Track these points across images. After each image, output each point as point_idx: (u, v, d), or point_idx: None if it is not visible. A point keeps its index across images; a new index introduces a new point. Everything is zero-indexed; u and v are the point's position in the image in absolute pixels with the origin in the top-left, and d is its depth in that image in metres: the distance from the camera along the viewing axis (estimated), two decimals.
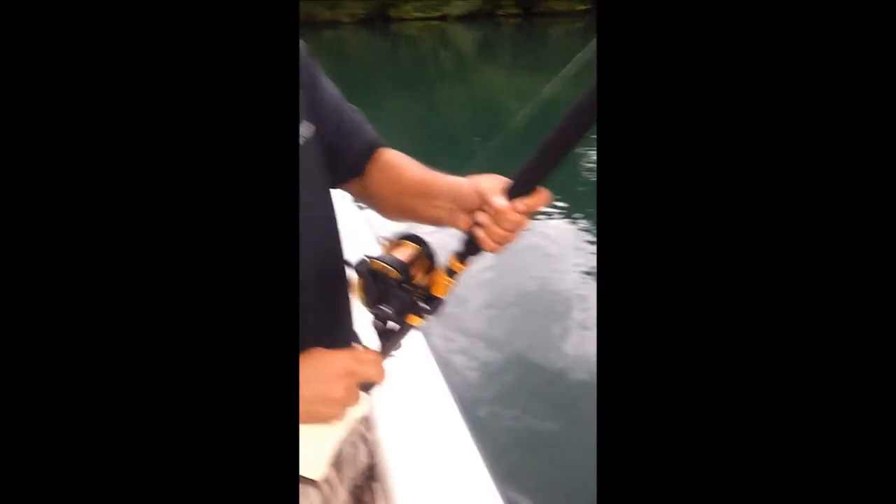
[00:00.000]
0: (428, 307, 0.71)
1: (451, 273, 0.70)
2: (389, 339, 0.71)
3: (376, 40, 27.77)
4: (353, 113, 0.83)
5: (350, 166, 0.82)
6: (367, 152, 0.82)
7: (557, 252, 3.79)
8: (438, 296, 0.71)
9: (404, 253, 0.70)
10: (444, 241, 0.71)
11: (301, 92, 0.73)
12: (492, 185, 0.67)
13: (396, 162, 0.82)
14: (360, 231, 1.84)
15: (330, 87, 0.81)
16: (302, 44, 0.75)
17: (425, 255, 0.71)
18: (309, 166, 0.73)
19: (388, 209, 0.82)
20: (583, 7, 30.27)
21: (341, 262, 0.81)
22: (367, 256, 0.70)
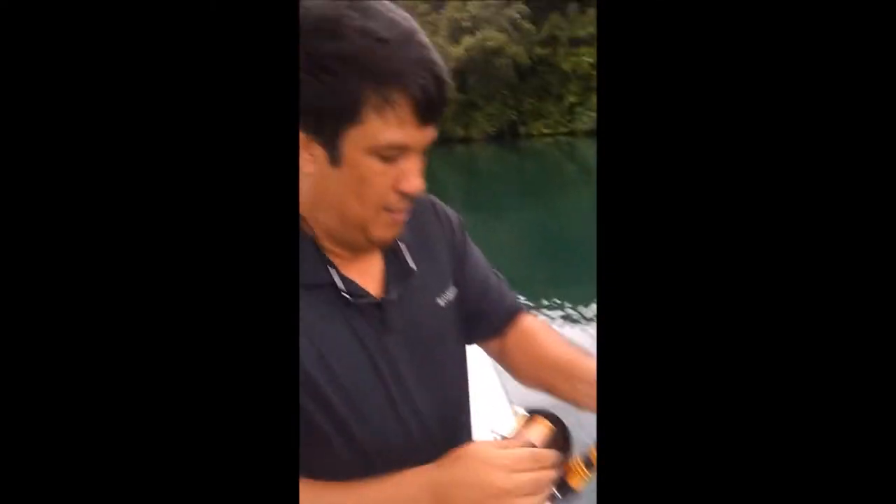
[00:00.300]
0: (559, 495, 0.64)
1: (588, 465, 0.65)
2: None
3: (505, 154, 29.15)
4: (497, 278, 0.89)
5: (490, 326, 0.87)
6: (508, 316, 0.87)
7: None
8: (573, 486, 0.65)
9: (537, 432, 0.65)
10: (586, 420, 0.64)
11: (452, 259, 0.82)
12: None
13: (536, 330, 0.86)
14: (495, 391, 1.83)
15: (477, 254, 0.88)
16: (454, 214, 0.86)
17: (561, 437, 0.66)
18: (447, 327, 0.79)
19: (523, 376, 0.86)
20: None
21: (468, 423, 0.83)
22: (494, 433, 0.67)
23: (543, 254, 7.98)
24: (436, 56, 0.63)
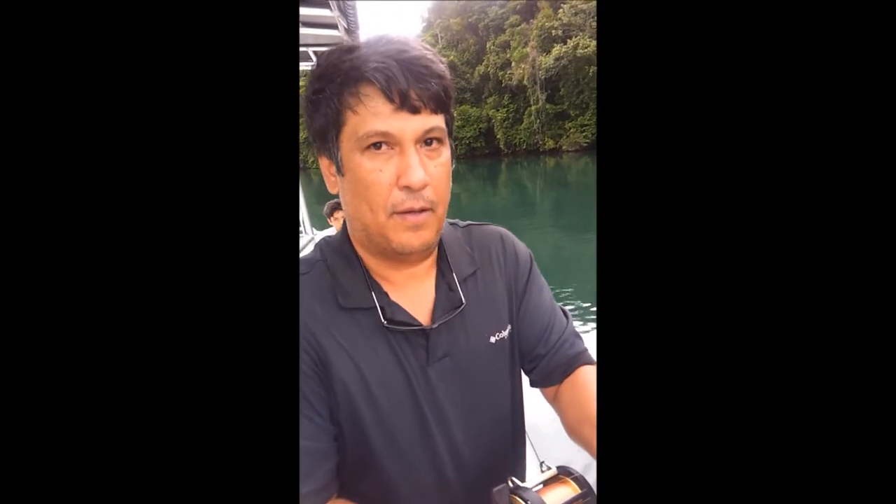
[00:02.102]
0: None
1: None
2: None
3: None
4: (564, 321, 0.83)
5: (545, 374, 0.81)
6: (567, 367, 0.80)
7: None
8: None
9: (559, 494, 0.61)
10: None
11: (511, 296, 0.80)
12: None
13: (590, 389, 0.76)
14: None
15: (542, 295, 0.82)
16: (523, 250, 0.84)
17: (585, 503, 0.60)
18: (497, 365, 0.77)
19: (570, 430, 0.77)
20: None
21: (518, 469, 0.83)
22: (511, 482, 0.60)
23: None
24: (412, 48, 0.64)
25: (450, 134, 0.67)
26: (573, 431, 0.76)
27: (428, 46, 0.66)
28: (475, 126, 40.09)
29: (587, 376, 0.79)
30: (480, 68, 40.37)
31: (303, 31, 3.58)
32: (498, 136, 39.10)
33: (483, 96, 40.51)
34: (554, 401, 0.81)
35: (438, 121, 0.64)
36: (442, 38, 42.21)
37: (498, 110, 39.12)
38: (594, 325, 5.25)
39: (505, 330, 0.77)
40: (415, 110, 0.62)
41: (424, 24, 45.97)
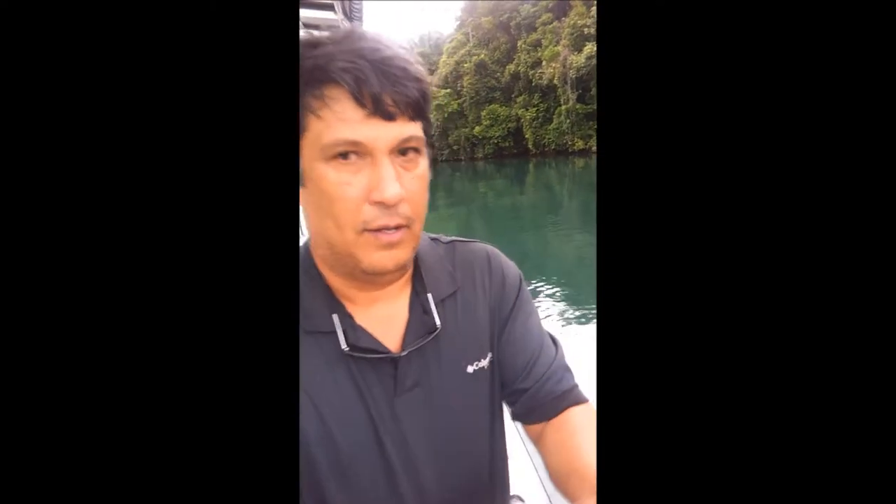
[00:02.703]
0: None
1: None
2: None
3: None
4: (552, 351, 0.73)
5: (527, 410, 0.71)
6: (553, 406, 0.70)
7: None
8: None
9: None
10: None
11: (494, 322, 0.71)
12: None
13: (582, 429, 0.67)
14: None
15: (529, 322, 0.73)
16: (512, 271, 0.74)
17: None
18: (475, 397, 0.69)
19: (554, 478, 0.67)
20: None
21: None
22: None
23: None
24: (385, 46, 0.57)
25: (428, 143, 0.60)
26: (557, 481, 0.66)
27: (404, 45, 0.60)
28: (504, 125, 39.73)
29: (576, 419, 0.69)
30: (511, 67, 39.97)
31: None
32: (527, 136, 38.66)
33: (513, 95, 40.10)
34: (537, 441, 0.71)
35: (416, 129, 0.57)
36: (473, 36, 41.94)
37: (528, 109, 38.66)
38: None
39: (485, 358, 0.70)
40: (389, 117, 0.55)
41: (458, 22, 45.73)
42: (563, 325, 5.43)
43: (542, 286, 6.92)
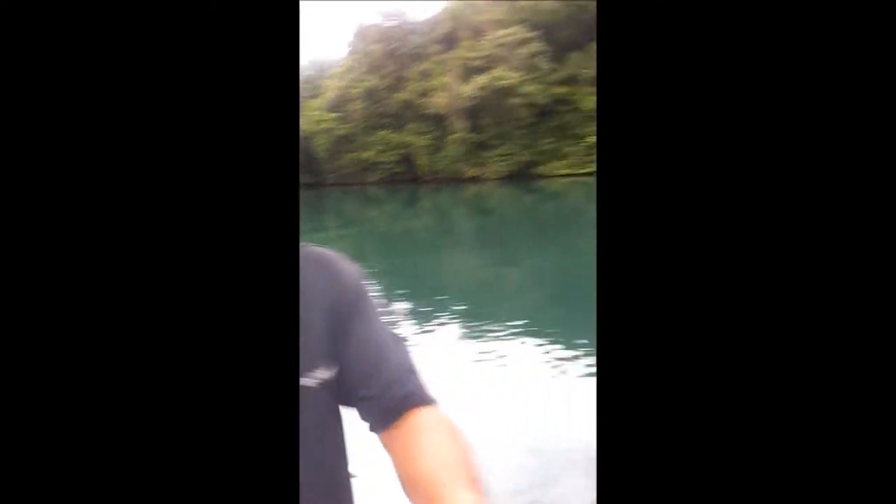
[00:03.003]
0: None
1: None
2: None
3: (520, 194, 27.88)
4: (401, 355, 0.72)
5: (371, 417, 0.70)
6: (396, 409, 0.68)
7: None
8: None
9: None
10: None
11: (333, 328, 0.69)
12: None
13: (425, 434, 0.64)
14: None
15: (374, 320, 0.72)
16: (352, 272, 0.73)
17: None
18: (316, 413, 0.66)
19: (403, 485, 0.63)
20: None
21: None
22: None
23: (565, 294, 7.44)
24: None
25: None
26: (407, 489, 0.62)
27: None
28: (396, 151, 39.88)
29: (416, 420, 0.66)
30: (401, 95, 40.39)
31: None
32: (419, 163, 39.03)
33: (402, 123, 40.46)
34: (388, 450, 0.69)
35: None
36: (363, 62, 42.01)
37: (419, 136, 39.13)
38: (509, 349, 4.96)
39: (327, 370, 0.68)
40: None
41: (350, 48, 45.66)
42: (458, 339, 5.65)
43: (442, 302, 7.00)
